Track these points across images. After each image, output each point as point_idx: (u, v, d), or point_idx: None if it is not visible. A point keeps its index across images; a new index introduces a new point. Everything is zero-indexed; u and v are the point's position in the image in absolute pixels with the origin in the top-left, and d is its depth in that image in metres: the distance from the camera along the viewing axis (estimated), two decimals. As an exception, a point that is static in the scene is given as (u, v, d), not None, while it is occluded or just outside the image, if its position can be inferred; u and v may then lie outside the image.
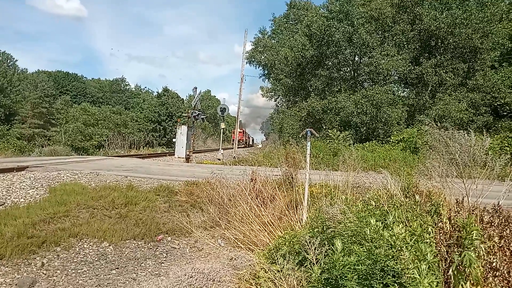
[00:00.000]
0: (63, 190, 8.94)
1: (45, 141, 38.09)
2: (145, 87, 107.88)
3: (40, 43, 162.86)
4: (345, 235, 3.18)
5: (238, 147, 44.53)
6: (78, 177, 10.86)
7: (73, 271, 5.58)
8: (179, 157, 24.30)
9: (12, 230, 6.23)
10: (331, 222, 3.64)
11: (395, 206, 3.94)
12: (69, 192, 8.68)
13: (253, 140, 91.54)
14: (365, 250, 2.82)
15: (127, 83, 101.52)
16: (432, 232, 3.18)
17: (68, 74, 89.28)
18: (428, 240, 2.91)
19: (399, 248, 2.74)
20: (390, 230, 2.96)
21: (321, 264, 3.08)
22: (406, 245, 2.80)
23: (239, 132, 56.94)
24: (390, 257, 2.67)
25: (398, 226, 3.05)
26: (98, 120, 46.26)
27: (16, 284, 4.94)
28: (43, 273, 5.37)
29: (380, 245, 2.79)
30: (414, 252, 2.71)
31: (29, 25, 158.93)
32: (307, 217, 5.91)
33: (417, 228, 3.13)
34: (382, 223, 3.20)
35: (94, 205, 8.03)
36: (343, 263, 2.63)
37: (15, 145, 31.40)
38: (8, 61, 61.98)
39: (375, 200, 4.49)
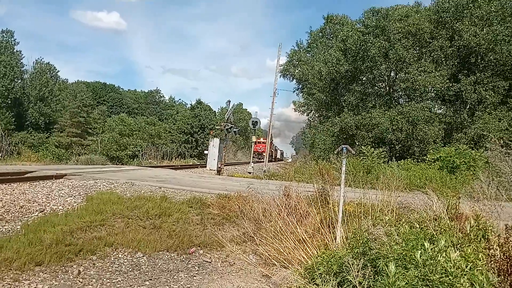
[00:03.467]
0: (100, 199, 9.11)
1: (81, 150, 39.21)
2: (179, 99, 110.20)
3: (80, 55, 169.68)
4: (390, 258, 3.05)
5: (261, 161, 43.73)
6: (114, 186, 11.07)
7: (108, 280, 5.62)
8: (210, 169, 24.50)
9: (51, 237, 6.37)
10: (374, 243, 3.52)
11: (443, 230, 3.78)
12: (105, 201, 8.83)
13: (282, 154, 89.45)
14: (416, 275, 2.69)
15: (161, 95, 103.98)
16: (483, 259, 3.02)
17: (105, 85, 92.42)
18: (481, 268, 2.75)
19: (455, 276, 2.59)
20: (445, 256, 2.81)
21: (364, 287, 2.96)
22: (462, 272, 2.64)
23: (263, 143, 53.83)
24: (446, 284, 2.53)
25: (454, 251, 2.89)
26: (133, 130, 47.33)
27: (53, 291, 5.01)
28: (79, 281, 5.43)
29: (435, 271, 2.65)
30: (469, 280, 2.56)
31: (71, 37, 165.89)
32: (341, 236, 5.77)
33: (470, 254, 2.97)
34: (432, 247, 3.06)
35: (129, 215, 8.12)
36: (398, 287, 2.51)
37: (54, 153, 32.53)
38: (51, 71, 64.52)
39: (418, 222, 4.32)
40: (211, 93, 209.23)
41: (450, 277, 2.58)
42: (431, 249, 2.88)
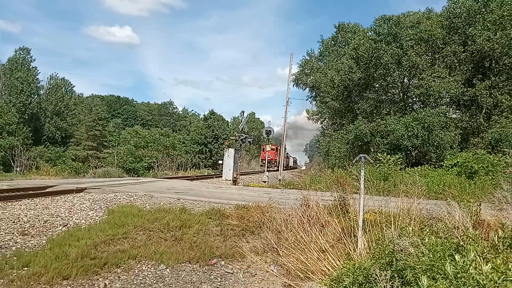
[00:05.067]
0: (121, 212, 9.25)
1: (98, 163, 39.69)
2: (192, 110, 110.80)
3: (94, 69, 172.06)
4: (418, 269, 3.07)
5: (269, 170, 41.82)
6: (133, 199, 11.22)
7: (133, 293, 5.71)
8: (226, 180, 24.60)
9: (76, 251, 6.49)
10: (400, 254, 3.53)
11: (470, 240, 3.77)
12: (126, 214, 8.96)
13: (295, 162, 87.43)
14: (447, 287, 2.70)
15: (174, 106, 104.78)
16: (512, 269, 3.01)
17: (119, 98, 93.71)
18: (511, 278, 2.75)
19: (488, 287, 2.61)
20: (477, 268, 2.82)
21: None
22: (495, 284, 2.65)
23: (272, 150, 50.79)
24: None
25: (484, 263, 2.90)
26: (148, 142, 47.75)
27: (81, 305, 5.11)
28: (106, 294, 5.54)
29: (468, 283, 2.67)
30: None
31: (85, 52, 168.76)
32: (362, 246, 5.77)
33: (501, 265, 2.97)
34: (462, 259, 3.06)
35: (150, 228, 8.23)
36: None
37: (71, 166, 33.00)
38: (66, 86, 65.76)
39: (442, 231, 4.32)
40: (224, 103, 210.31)
41: (483, 289, 2.60)
42: (463, 261, 2.89)
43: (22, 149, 34.23)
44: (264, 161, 53.69)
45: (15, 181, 16.83)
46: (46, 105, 55.59)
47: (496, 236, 3.66)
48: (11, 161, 33.80)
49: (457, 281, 2.74)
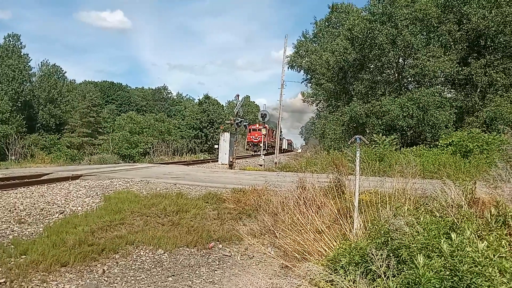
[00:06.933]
0: (117, 198, 9.26)
1: (93, 149, 39.63)
2: (186, 95, 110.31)
3: (87, 55, 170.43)
4: (413, 248, 3.10)
5: (258, 154, 37.39)
6: (129, 185, 11.22)
7: (132, 278, 5.74)
8: (222, 164, 24.63)
9: (74, 238, 6.50)
10: (395, 233, 3.56)
11: (465, 218, 3.79)
12: (123, 200, 8.97)
13: (290, 144, 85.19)
14: (443, 265, 2.73)
15: (169, 91, 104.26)
16: (506, 246, 3.04)
17: (113, 84, 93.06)
18: (504, 255, 2.78)
19: (483, 265, 2.63)
20: (473, 245, 2.85)
21: (388, 277, 3.02)
22: (490, 261, 2.68)
23: (259, 131, 43.01)
24: (475, 274, 2.57)
25: (480, 241, 2.92)
26: (143, 128, 47.65)
27: (81, 291, 5.14)
28: (104, 279, 5.56)
29: (464, 261, 2.69)
30: (497, 269, 2.59)
31: (77, 38, 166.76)
32: (357, 226, 5.80)
33: (494, 242, 3.00)
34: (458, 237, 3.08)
35: (147, 213, 8.26)
36: (427, 278, 2.56)
37: (66, 153, 32.95)
38: (58, 72, 65.00)
39: (437, 210, 4.34)
40: (218, 87, 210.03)
41: (479, 266, 2.62)
42: (459, 239, 2.91)
43: (16, 137, 34.07)
44: (250, 144, 48.58)
45: (10, 170, 16.79)
46: (39, 93, 55.11)
47: (489, 214, 3.68)
48: (6, 149, 33.65)
49: (453, 259, 2.77)
